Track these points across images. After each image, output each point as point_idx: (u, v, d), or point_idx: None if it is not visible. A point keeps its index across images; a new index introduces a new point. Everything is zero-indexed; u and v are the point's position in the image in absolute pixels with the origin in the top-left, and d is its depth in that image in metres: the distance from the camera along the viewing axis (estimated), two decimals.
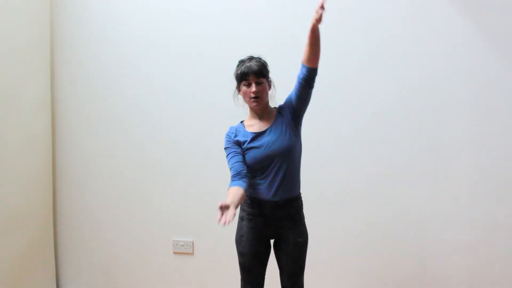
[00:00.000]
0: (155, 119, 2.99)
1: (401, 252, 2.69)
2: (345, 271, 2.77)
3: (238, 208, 2.08)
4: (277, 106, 2.11)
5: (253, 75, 1.97)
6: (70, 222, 3.20)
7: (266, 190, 2.00)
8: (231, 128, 2.10)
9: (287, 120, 2.03)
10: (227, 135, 2.08)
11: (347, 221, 2.75)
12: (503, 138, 2.54)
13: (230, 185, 1.91)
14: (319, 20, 1.83)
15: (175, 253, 3.02)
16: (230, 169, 1.98)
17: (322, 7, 1.81)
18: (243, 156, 2.00)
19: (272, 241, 2.11)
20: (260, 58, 2.05)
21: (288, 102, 2.06)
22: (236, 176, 1.94)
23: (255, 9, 2.81)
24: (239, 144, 2.02)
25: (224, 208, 1.73)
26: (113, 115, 3.07)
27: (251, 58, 2.04)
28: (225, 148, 2.06)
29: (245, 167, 1.98)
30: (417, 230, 2.66)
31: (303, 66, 1.96)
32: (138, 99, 3.01)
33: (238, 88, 2.05)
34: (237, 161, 1.98)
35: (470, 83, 2.55)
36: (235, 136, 2.04)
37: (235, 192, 1.86)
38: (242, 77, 1.99)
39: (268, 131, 2.01)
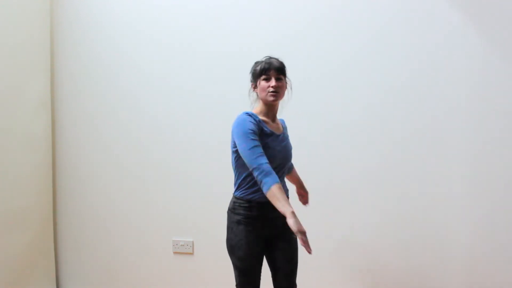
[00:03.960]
0: (156, 119, 2.99)
1: (400, 251, 2.68)
2: (341, 270, 2.77)
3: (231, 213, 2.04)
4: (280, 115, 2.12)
5: (274, 70, 1.96)
6: (70, 222, 3.20)
7: None
8: (252, 114, 1.94)
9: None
10: (251, 118, 1.90)
11: (343, 219, 2.74)
12: (502, 135, 2.53)
13: (275, 181, 1.77)
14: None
15: (175, 253, 3.01)
16: (262, 163, 1.81)
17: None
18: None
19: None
20: (278, 59, 2.04)
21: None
22: (273, 171, 1.82)
23: (257, 5, 2.80)
24: (260, 132, 1.91)
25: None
26: (113, 114, 3.06)
27: (270, 57, 2.03)
28: (249, 129, 1.86)
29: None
30: (416, 230, 2.65)
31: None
32: (138, 98, 3.01)
33: (255, 84, 2.03)
34: (262, 153, 1.84)
35: (469, 80, 2.55)
36: (259, 122, 1.93)
37: (283, 193, 1.77)
38: (262, 72, 1.97)
39: (283, 136, 2.04)
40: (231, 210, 2.03)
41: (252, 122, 1.89)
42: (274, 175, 1.79)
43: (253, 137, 1.86)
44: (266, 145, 1.92)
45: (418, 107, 2.61)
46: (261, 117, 1.99)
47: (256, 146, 1.84)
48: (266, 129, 1.95)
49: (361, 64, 2.67)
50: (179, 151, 2.96)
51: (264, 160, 1.81)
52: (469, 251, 2.60)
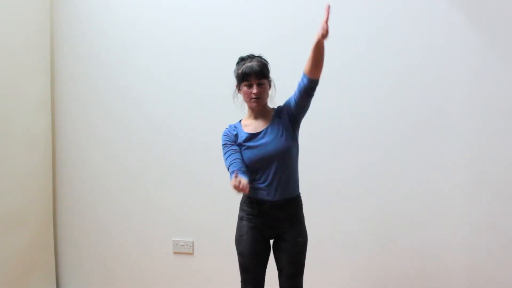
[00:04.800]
0: (156, 119, 2.99)
1: (400, 252, 2.68)
2: (343, 271, 2.77)
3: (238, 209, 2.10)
4: (275, 106, 2.09)
5: (255, 75, 1.96)
6: (70, 222, 3.20)
7: (265, 191, 1.99)
8: (230, 126, 2.10)
9: (285, 123, 2.01)
10: (225, 133, 2.08)
11: (346, 220, 2.74)
12: (502, 135, 2.52)
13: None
14: (325, 35, 1.81)
15: (175, 253, 3.01)
16: (229, 166, 1.96)
17: (326, 22, 1.80)
18: (241, 154, 2.00)
19: (271, 242, 2.10)
20: (261, 57, 2.03)
21: (287, 106, 2.04)
22: (238, 171, 1.90)
23: (257, 5, 2.80)
24: (236, 141, 2.03)
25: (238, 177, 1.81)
26: (113, 114, 3.06)
27: (252, 57, 2.02)
28: (223, 145, 2.05)
29: (244, 165, 1.97)
30: (416, 229, 2.65)
31: (304, 75, 1.93)
32: (138, 98, 3.01)
33: (238, 87, 2.04)
34: (236, 158, 1.96)
35: (469, 80, 2.54)
36: (235, 132, 2.05)
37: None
38: (244, 77, 1.98)
39: (263, 133, 2.01)
40: (240, 206, 2.10)
41: (225, 136, 2.06)
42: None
43: (226, 150, 2.03)
44: (246, 147, 2.00)
45: (418, 107, 2.61)
46: (247, 121, 2.06)
47: (227, 153, 2.02)
48: (242, 134, 2.02)
49: (360, 64, 2.67)
50: (179, 151, 2.96)
51: (233, 165, 1.96)
52: (469, 251, 2.59)
